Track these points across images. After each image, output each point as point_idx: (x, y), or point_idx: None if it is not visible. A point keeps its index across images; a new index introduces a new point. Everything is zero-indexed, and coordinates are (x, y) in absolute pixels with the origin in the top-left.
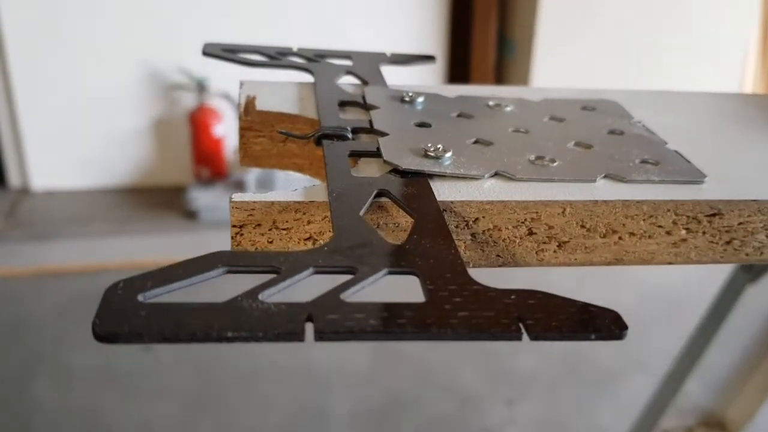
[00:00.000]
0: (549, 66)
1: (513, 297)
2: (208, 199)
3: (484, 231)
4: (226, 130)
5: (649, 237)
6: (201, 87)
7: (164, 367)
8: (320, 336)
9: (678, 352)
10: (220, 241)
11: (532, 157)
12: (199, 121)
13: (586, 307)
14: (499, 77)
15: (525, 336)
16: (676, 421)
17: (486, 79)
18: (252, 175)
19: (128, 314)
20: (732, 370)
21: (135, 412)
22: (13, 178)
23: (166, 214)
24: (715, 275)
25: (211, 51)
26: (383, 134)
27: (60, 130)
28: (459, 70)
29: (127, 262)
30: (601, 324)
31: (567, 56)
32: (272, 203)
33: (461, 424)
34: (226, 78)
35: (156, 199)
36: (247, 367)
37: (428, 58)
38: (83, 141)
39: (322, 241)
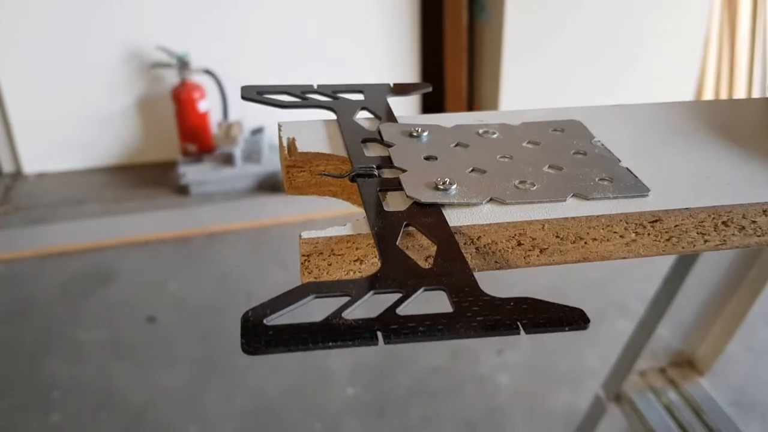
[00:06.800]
0: (520, 28)
1: (512, 303)
2: (197, 174)
3: (485, 245)
4: (210, 105)
5: (607, 240)
6: (182, 63)
7: (169, 336)
8: (387, 341)
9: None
10: (212, 215)
11: (517, 182)
12: (182, 98)
13: (561, 307)
14: (471, 39)
15: (522, 332)
16: (650, 362)
17: (459, 39)
18: (238, 149)
19: (262, 334)
20: (698, 314)
21: (146, 380)
22: (5, 164)
23: (157, 191)
24: None
25: (248, 95)
26: (402, 170)
27: (47, 114)
28: (431, 29)
29: (125, 239)
30: (571, 319)
31: (537, 17)
32: (330, 237)
33: (455, 373)
34: (206, 54)
35: (146, 177)
36: None
37: (425, 86)
38: (71, 123)
39: (367, 262)
